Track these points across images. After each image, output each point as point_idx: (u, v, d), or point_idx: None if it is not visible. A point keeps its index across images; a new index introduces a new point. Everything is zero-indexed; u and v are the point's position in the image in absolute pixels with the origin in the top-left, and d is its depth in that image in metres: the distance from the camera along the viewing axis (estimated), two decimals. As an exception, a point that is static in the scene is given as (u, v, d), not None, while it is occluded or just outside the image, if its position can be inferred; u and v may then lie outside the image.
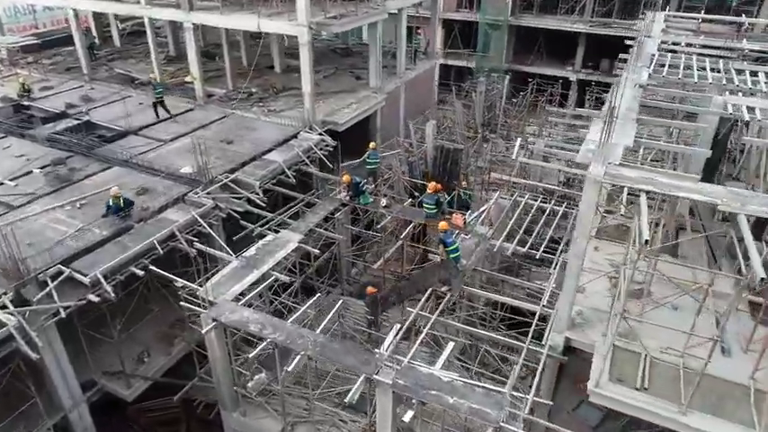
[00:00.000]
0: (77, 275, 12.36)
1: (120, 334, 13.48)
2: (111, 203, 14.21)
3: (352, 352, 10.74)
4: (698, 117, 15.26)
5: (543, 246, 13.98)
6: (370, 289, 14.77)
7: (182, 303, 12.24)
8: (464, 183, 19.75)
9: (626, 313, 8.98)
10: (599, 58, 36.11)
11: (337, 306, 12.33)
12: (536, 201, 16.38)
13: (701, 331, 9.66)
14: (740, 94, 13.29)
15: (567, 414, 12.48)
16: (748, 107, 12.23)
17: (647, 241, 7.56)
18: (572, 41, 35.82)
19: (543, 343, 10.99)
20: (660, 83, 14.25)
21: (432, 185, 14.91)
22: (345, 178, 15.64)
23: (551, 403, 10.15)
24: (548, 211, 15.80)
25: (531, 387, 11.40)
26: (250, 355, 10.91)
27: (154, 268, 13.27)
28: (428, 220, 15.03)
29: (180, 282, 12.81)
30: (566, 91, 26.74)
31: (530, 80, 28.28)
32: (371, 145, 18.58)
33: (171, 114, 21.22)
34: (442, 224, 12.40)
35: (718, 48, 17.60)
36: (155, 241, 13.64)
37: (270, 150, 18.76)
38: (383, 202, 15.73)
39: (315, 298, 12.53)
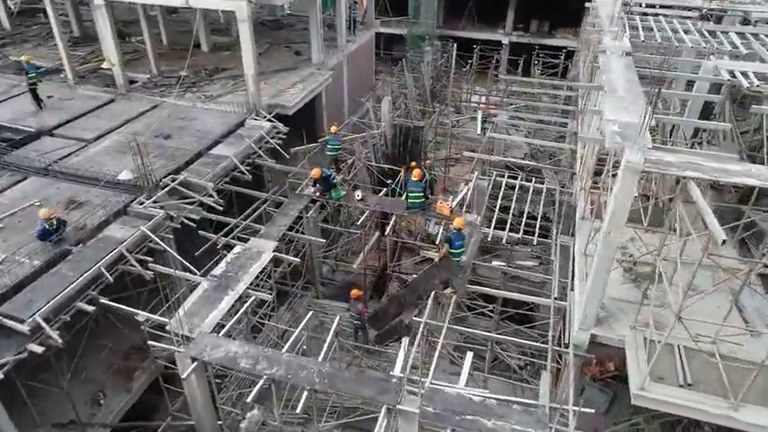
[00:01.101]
0: (11, 323, 10.10)
1: (69, 381, 11.36)
2: (45, 226, 11.78)
3: (367, 380, 9.43)
4: (675, 82, 14.89)
5: (537, 231, 13.15)
6: (355, 292, 13.45)
7: (150, 343, 10.36)
8: (428, 162, 18.62)
9: (681, 313, 8.22)
10: (528, 20, 35.78)
11: (334, 325, 10.88)
12: (516, 179, 15.53)
13: (721, 311, 9.26)
14: (725, 57, 12.90)
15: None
16: (741, 72, 11.81)
17: (724, 241, 6.74)
18: (502, 3, 35.13)
19: (566, 341, 10.22)
20: (643, 49, 13.66)
21: (417, 171, 13.60)
22: (315, 172, 13.97)
23: (593, 411, 9.39)
24: (531, 190, 15.00)
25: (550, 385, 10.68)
26: (248, 399, 9.30)
27: (105, 301, 11.18)
28: (411, 212, 13.75)
29: (142, 314, 10.84)
30: (516, 57, 25.89)
31: (474, 46, 27.26)
32: (333, 129, 16.91)
33: (41, 106, 18.27)
34: (460, 220, 11.16)
35: (678, 8, 17.29)
36: (101, 267, 11.51)
37: (216, 143, 16.63)
38: (357, 195, 14.24)
39: (307, 317, 10.99)
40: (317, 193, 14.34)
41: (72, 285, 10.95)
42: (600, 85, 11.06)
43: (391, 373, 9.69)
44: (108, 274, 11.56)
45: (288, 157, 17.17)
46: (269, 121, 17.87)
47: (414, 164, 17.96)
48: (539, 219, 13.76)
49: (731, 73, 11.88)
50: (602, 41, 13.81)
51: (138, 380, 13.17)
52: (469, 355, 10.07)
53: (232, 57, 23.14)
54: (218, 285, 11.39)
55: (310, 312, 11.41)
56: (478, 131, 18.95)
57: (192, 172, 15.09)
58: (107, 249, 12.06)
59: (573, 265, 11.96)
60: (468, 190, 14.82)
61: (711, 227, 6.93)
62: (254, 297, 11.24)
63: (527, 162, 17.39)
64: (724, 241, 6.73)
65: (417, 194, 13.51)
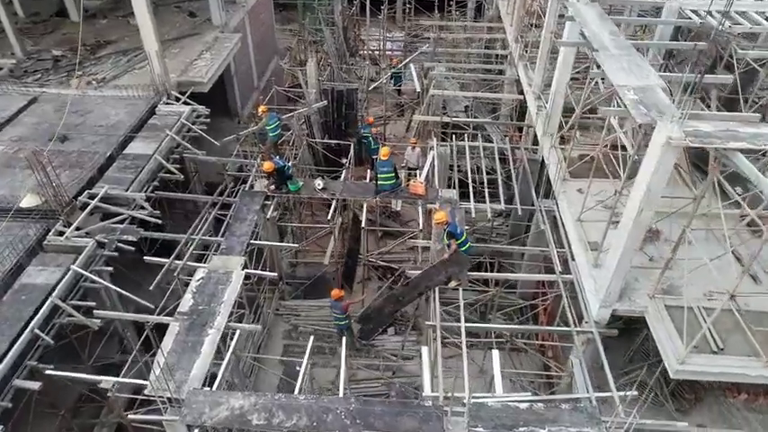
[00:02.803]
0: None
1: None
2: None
3: (402, 409, 8.41)
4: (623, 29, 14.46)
5: (517, 197, 12.50)
6: (335, 293, 12.29)
7: (132, 416, 8.52)
8: (374, 130, 17.23)
9: (733, 299, 7.96)
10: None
11: (343, 351, 9.61)
12: (476, 141, 14.67)
13: (720, 262, 9.30)
14: (682, -5, 12.55)
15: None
16: (706, 11, 11.51)
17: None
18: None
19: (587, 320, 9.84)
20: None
21: (385, 150, 12.25)
22: (267, 165, 12.12)
23: (635, 393, 9.15)
24: (496, 151, 14.24)
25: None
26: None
27: (53, 372, 9.00)
28: (383, 196, 12.45)
29: (107, 380, 8.87)
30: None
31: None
32: (261, 108, 14.85)
33: None
34: (441, 215, 10.08)
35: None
36: (35, 329, 9.19)
37: (129, 140, 13.93)
38: (318, 184, 12.63)
39: (309, 345, 9.60)
40: (272, 187, 12.53)
41: (5, 361, 8.63)
42: (588, 43, 10.22)
43: (424, 393, 8.79)
44: (45, 336, 9.29)
45: (218, 144, 14.91)
46: (185, 103, 15.30)
47: (375, 130, 16.62)
48: (515, 183, 13.11)
49: (696, 13, 11.57)
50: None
51: (100, 438, 11.21)
52: (496, 354, 9.37)
53: (112, 25, 19.66)
54: (191, 324, 9.57)
55: (311, 338, 9.99)
56: (418, 88, 17.67)
57: (110, 181, 12.49)
58: (34, 302, 9.67)
59: (565, 233, 11.52)
60: (431, 159, 13.78)
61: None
62: (239, 332, 9.61)
63: (485, 120, 16.51)
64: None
65: (388, 175, 12.24)
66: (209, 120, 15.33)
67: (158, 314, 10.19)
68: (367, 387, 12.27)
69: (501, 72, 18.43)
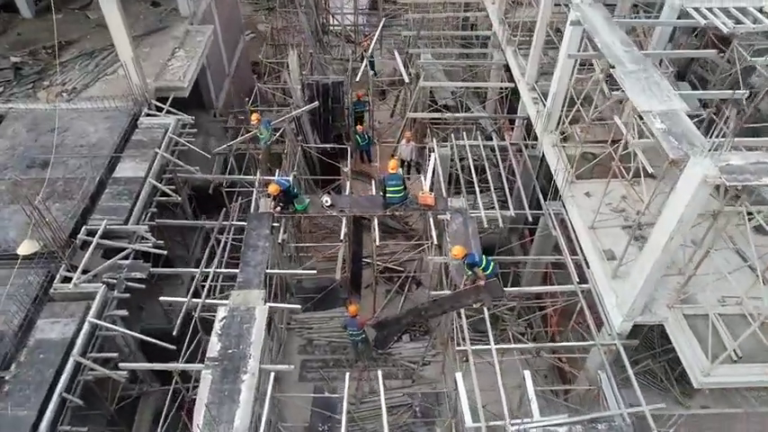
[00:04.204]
0: None
1: None
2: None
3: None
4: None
5: (527, 203, 12.58)
6: (352, 309, 12.32)
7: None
8: (360, 127, 16.83)
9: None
10: None
11: (381, 386, 9.67)
12: (473, 134, 14.52)
13: (729, 266, 9.79)
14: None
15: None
16: (708, 9, 11.46)
17: None
18: None
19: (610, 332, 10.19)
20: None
21: (393, 163, 12.02)
22: (272, 188, 11.70)
23: (664, 405, 9.64)
24: (496, 148, 14.15)
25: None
26: None
27: (86, 436, 8.78)
28: (393, 209, 12.28)
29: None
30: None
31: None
32: (254, 117, 14.23)
33: None
34: (457, 250, 10.11)
35: None
36: (61, 392, 8.88)
37: (116, 160, 13.16)
38: (326, 200, 12.32)
39: (347, 384, 9.60)
40: (278, 208, 12.16)
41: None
42: (601, 55, 10.08)
43: (466, 425, 9.02)
44: (72, 397, 9.01)
45: (209, 156, 14.29)
46: (169, 112, 14.46)
47: (360, 128, 16.30)
48: (518, 179, 13.11)
49: (699, 11, 11.50)
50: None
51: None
52: (528, 374, 9.65)
53: (70, 20, 18.19)
54: (224, 371, 9.41)
55: (347, 375, 10.00)
56: (407, 79, 17.17)
57: (105, 212, 11.86)
58: (54, 362, 9.31)
59: (577, 239, 11.71)
60: (434, 161, 13.65)
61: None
62: (273, 373, 9.53)
63: (480, 114, 16.28)
64: None
65: (397, 188, 12.03)
66: (195, 130, 14.59)
67: (181, 360, 10.04)
68: (389, 399, 12.45)
69: (484, 55, 18.08)
